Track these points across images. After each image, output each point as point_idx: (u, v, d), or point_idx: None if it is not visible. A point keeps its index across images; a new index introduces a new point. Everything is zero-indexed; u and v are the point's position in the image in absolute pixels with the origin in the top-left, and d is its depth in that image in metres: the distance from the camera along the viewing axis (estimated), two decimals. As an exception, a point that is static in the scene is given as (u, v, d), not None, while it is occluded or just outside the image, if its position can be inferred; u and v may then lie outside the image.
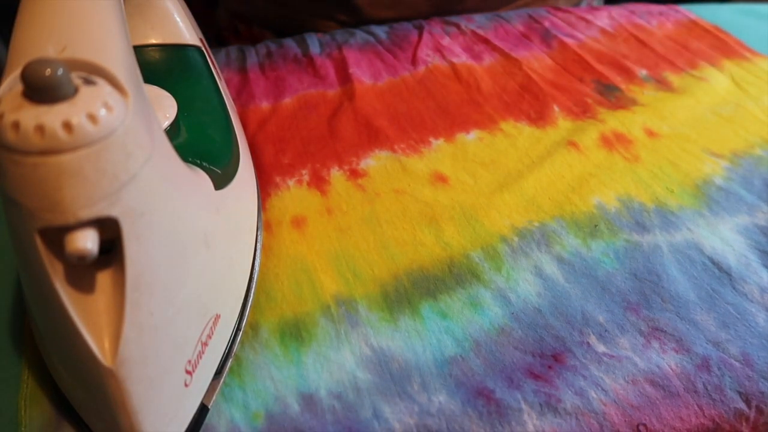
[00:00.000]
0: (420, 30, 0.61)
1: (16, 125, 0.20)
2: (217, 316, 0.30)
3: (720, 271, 0.38)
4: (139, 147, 0.23)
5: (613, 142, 0.47)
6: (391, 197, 0.43)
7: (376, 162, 0.46)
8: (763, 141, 0.48)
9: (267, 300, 0.36)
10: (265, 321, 0.35)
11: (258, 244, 0.37)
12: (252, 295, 0.35)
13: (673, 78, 0.55)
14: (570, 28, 0.63)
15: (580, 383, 0.32)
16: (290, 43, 0.60)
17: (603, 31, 0.62)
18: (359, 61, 0.57)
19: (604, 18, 0.64)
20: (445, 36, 0.61)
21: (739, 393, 0.32)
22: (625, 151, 0.47)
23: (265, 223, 0.40)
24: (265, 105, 0.52)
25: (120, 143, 0.22)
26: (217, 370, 0.30)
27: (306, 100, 0.52)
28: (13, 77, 0.23)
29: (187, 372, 0.28)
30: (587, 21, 0.64)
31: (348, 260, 0.38)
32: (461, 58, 0.58)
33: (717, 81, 0.55)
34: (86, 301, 0.24)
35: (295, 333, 0.34)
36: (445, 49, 0.59)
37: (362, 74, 0.55)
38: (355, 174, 0.45)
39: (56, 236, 0.22)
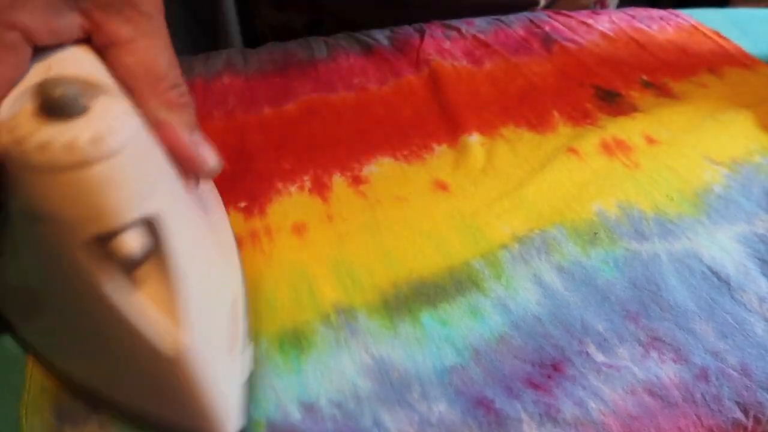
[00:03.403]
0: (421, 34, 0.61)
1: (42, 146, 0.21)
2: (235, 298, 0.33)
3: (719, 280, 0.38)
4: (156, 149, 0.25)
5: (614, 148, 0.47)
6: (392, 204, 0.43)
7: (378, 168, 0.46)
8: (763, 148, 0.48)
9: (267, 308, 0.36)
10: (264, 329, 0.35)
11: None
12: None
13: (672, 84, 0.55)
14: (570, 32, 0.63)
15: (580, 393, 0.32)
16: (295, 48, 0.60)
17: (603, 35, 0.62)
18: (364, 65, 0.57)
19: (604, 22, 0.64)
20: (446, 40, 0.61)
21: (737, 403, 0.32)
22: (625, 157, 0.47)
23: (265, 229, 0.41)
24: (267, 110, 0.52)
25: (143, 147, 0.24)
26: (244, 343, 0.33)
27: (309, 106, 0.52)
28: (12, 99, 0.23)
29: (231, 347, 0.31)
30: (588, 25, 0.64)
31: (348, 267, 0.38)
32: (462, 63, 0.58)
33: (716, 87, 0.55)
34: (138, 301, 0.25)
35: (294, 341, 0.34)
36: (446, 53, 0.59)
37: (366, 79, 0.55)
38: (356, 180, 0.45)
39: (98, 246, 0.23)
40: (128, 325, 0.25)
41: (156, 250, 0.25)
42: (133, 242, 0.23)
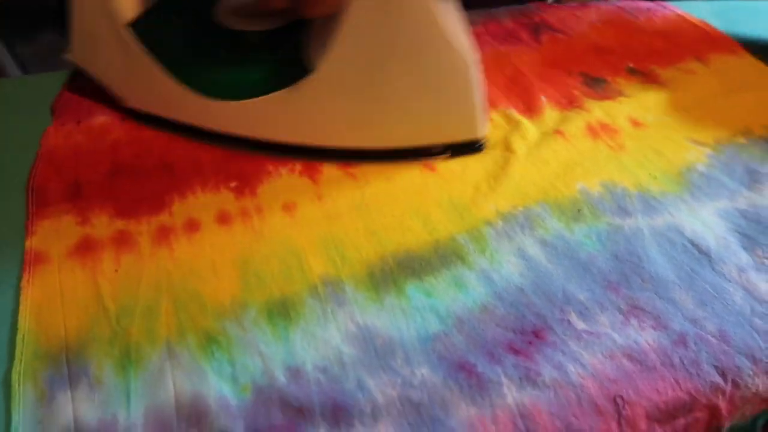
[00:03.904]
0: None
1: None
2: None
3: (699, 252, 0.39)
4: None
5: (599, 131, 0.48)
6: (381, 185, 0.44)
7: (367, 152, 0.47)
8: (747, 130, 0.49)
9: (256, 280, 0.37)
10: (253, 300, 0.36)
11: None
12: None
13: (659, 71, 0.56)
14: (559, 23, 0.64)
15: (560, 358, 0.33)
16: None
17: (592, 26, 0.63)
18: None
19: (592, 14, 0.65)
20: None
21: (716, 367, 0.33)
22: (610, 139, 0.48)
23: (255, 208, 0.42)
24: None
25: None
26: None
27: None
28: None
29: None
30: (576, 17, 0.65)
31: (336, 244, 0.39)
32: None
33: (702, 73, 0.56)
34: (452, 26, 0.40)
35: (283, 312, 0.35)
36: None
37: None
38: (346, 163, 0.46)
39: None
40: (447, 41, 0.40)
41: None
42: None
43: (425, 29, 0.39)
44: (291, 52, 0.43)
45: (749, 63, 0.57)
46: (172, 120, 0.47)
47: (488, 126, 0.46)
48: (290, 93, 0.42)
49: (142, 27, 0.45)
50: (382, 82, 0.42)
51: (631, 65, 0.57)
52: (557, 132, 0.48)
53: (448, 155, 0.46)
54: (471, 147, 0.46)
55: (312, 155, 0.45)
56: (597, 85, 0.54)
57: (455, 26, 0.41)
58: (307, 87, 0.42)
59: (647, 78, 0.55)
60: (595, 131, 0.48)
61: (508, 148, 0.47)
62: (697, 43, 0.60)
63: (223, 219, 0.41)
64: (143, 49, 0.45)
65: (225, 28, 0.46)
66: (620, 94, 0.53)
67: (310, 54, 0.42)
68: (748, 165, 0.45)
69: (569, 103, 0.52)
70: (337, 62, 0.41)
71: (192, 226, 0.40)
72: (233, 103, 0.44)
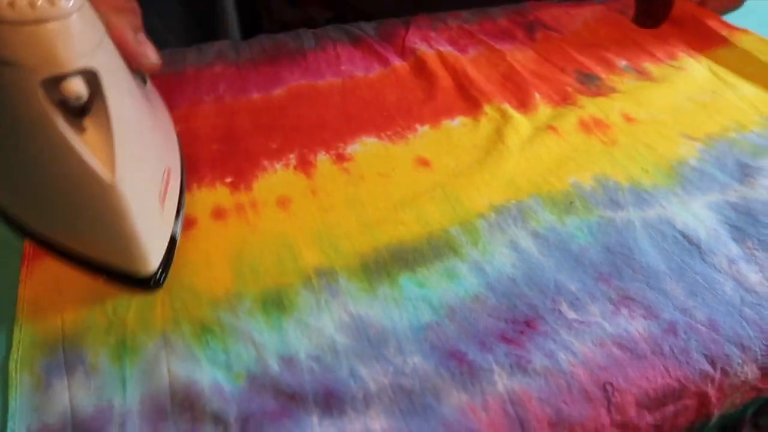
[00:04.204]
0: (407, 26, 0.63)
1: (11, 3, 0.28)
2: (169, 168, 0.39)
3: (690, 243, 0.39)
4: (99, 22, 0.32)
5: (592, 126, 0.49)
6: (375, 180, 0.44)
7: (362, 147, 0.47)
8: (738, 125, 0.49)
9: (251, 272, 0.37)
10: (248, 291, 0.36)
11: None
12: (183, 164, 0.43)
13: (652, 68, 0.57)
14: (554, 21, 0.64)
15: (550, 346, 0.33)
16: (285, 39, 0.61)
17: (586, 24, 0.64)
18: (351, 54, 0.59)
19: (586, 12, 0.66)
20: (432, 31, 0.62)
21: (705, 355, 0.33)
22: (602, 134, 0.48)
23: (250, 203, 0.42)
24: (256, 96, 0.53)
25: (90, 14, 0.31)
26: (176, 211, 0.39)
27: (298, 92, 0.54)
28: None
29: (161, 200, 0.37)
30: (570, 15, 0.65)
31: (330, 237, 0.40)
32: (447, 48, 0.59)
33: (695, 70, 0.56)
34: (83, 139, 0.31)
35: (277, 302, 0.35)
36: (432, 41, 0.60)
37: (354, 67, 0.57)
38: (341, 158, 0.46)
39: (51, 89, 0.30)
40: (73, 154, 0.31)
41: (96, 102, 0.32)
42: (80, 84, 0.30)
43: (39, 133, 0.31)
44: None
45: (741, 57, 0.58)
46: None
47: (158, 261, 0.36)
48: None
49: None
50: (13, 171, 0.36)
51: (624, 62, 0.58)
52: (550, 128, 0.48)
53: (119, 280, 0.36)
54: (138, 281, 0.36)
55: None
56: (590, 82, 0.55)
57: (95, 137, 0.32)
58: None
59: (640, 75, 0.56)
60: (588, 126, 0.49)
61: (501, 142, 0.47)
62: (689, 38, 0.61)
63: (219, 214, 0.41)
64: None
65: None
66: (613, 90, 0.53)
67: None
68: (740, 159, 0.46)
69: (562, 99, 0.52)
70: None
71: (188, 222, 0.41)
72: None
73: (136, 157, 0.34)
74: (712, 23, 0.61)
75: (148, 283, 0.35)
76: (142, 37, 0.38)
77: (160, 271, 0.36)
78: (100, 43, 0.32)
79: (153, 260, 0.35)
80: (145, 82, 0.43)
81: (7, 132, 0.33)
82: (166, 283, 0.36)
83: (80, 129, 0.32)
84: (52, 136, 0.31)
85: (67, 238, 0.37)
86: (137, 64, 0.37)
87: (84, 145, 0.31)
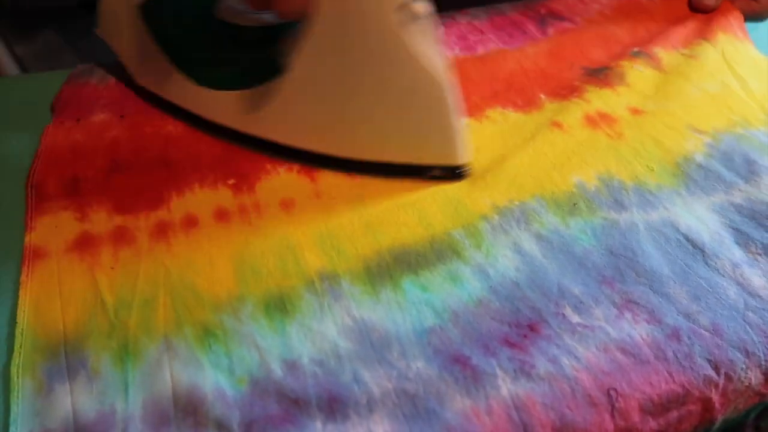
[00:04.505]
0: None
1: None
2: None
3: (694, 247, 0.39)
4: None
5: (597, 120, 0.49)
6: (378, 182, 0.44)
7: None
8: (745, 121, 0.49)
9: (253, 275, 0.37)
10: (250, 294, 0.36)
11: None
12: None
13: (663, 54, 0.56)
14: (567, 11, 0.63)
15: (554, 351, 0.33)
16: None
17: (600, 12, 0.63)
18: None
19: None
20: (440, 27, 0.62)
21: (709, 361, 0.33)
22: (608, 128, 0.48)
23: (253, 204, 0.42)
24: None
25: None
26: None
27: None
28: None
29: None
30: (584, 3, 0.65)
31: (333, 239, 0.39)
32: (454, 50, 0.59)
33: (707, 56, 0.55)
34: (423, 46, 0.39)
35: (279, 306, 0.35)
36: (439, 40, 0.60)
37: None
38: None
39: (401, 11, 0.38)
40: (416, 62, 0.39)
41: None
42: (421, 7, 0.39)
43: (390, 47, 0.39)
44: (271, 52, 0.44)
45: (752, 56, 0.57)
46: (170, 102, 0.49)
47: (469, 152, 0.44)
48: (264, 90, 0.44)
49: (149, 9, 0.48)
50: (349, 94, 0.42)
51: (636, 49, 0.57)
52: (555, 123, 0.48)
53: (427, 177, 0.44)
54: (451, 173, 0.44)
55: (284, 154, 0.46)
56: (599, 73, 0.54)
57: (428, 47, 0.40)
58: (277, 87, 0.43)
59: (650, 60, 0.55)
60: (593, 121, 0.49)
61: (504, 140, 0.47)
62: (706, 22, 0.60)
63: (221, 215, 0.41)
64: (147, 31, 0.47)
65: (224, 21, 0.47)
66: (622, 79, 0.53)
67: (286, 55, 0.42)
68: (747, 155, 0.46)
69: (569, 92, 0.52)
70: (303, 68, 0.41)
71: (190, 222, 0.41)
72: (218, 93, 0.46)
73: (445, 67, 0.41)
74: (735, 20, 0.61)
75: (459, 173, 0.44)
76: None
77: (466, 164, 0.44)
78: None
79: (465, 152, 0.43)
80: None
81: (359, 61, 0.40)
82: (170, 283, 0.36)
83: (420, 40, 0.39)
84: (400, 48, 0.39)
85: (385, 151, 0.44)
86: None
87: (423, 52, 0.39)
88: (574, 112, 0.49)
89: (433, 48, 0.40)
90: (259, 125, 0.46)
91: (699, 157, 0.45)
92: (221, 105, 0.46)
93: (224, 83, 0.46)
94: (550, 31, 0.61)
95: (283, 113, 0.44)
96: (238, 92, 0.45)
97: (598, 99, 0.51)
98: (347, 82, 0.41)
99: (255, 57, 0.46)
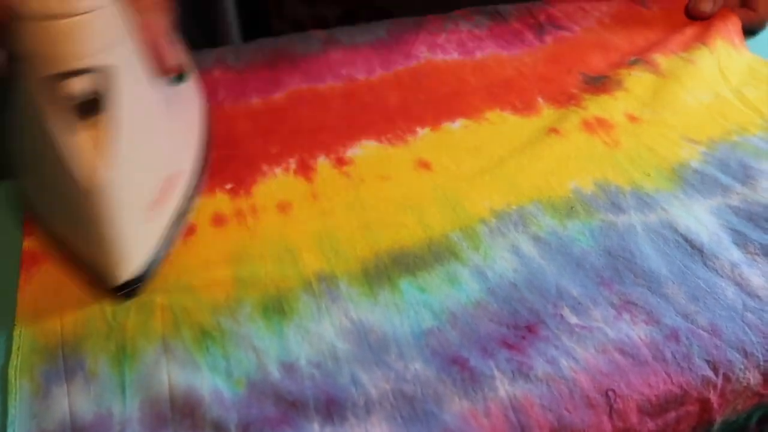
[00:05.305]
0: (418, 27, 0.63)
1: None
2: (174, 174, 0.39)
3: (692, 248, 0.39)
4: (123, 22, 0.33)
5: (595, 126, 0.49)
6: (376, 183, 0.44)
7: (362, 151, 0.47)
8: (741, 128, 0.49)
9: (251, 277, 0.37)
10: (248, 296, 0.36)
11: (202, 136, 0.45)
12: (202, 164, 0.43)
13: (661, 60, 0.56)
14: (566, 19, 0.64)
15: (552, 352, 0.33)
16: (285, 42, 0.61)
17: (599, 21, 0.63)
18: (353, 57, 0.58)
19: (602, 6, 0.65)
20: (442, 33, 0.62)
21: (707, 361, 0.33)
22: (605, 135, 0.48)
23: (250, 208, 0.42)
24: (255, 100, 0.53)
25: (112, 13, 0.32)
26: (177, 218, 0.38)
27: (298, 96, 0.54)
28: None
29: (151, 207, 0.36)
30: (585, 11, 0.65)
31: (331, 241, 0.39)
32: (453, 55, 0.59)
33: (704, 63, 0.55)
34: (73, 139, 0.31)
35: (277, 307, 0.35)
36: (440, 47, 0.60)
37: (355, 71, 0.57)
38: (341, 162, 0.46)
39: (56, 85, 0.30)
40: (60, 155, 0.31)
41: (104, 102, 0.32)
42: (78, 85, 0.31)
43: (43, 137, 0.32)
44: None
45: (748, 61, 0.57)
46: None
47: (134, 268, 0.35)
48: None
49: None
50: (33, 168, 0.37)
51: (634, 57, 0.57)
52: (552, 130, 0.48)
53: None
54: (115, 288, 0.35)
55: None
56: (596, 82, 0.54)
57: (86, 135, 0.32)
58: None
59: (648, 66, 0.55)
60: (591, 127, 0.49)
61: (502, 144, 0.47)
62: (705, 29, 0.60)
63: (218, 221, 0.41)
64: None
65: None
66: (619, 86, 0.53)
67: None
68: (743, 160, 0.46)
69: (567, 100, 0.52)
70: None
71: (188, 230, 0.40)
72: None
73: (128, 160, 0.33)
74: (733, 27, 0.61)
75: (117, 292, 0.35)
76: (172, 37, 0.39)
77: (134, 280, 0.35)
78: (118, 42, 0.33)
79: (128, 266, 0.34)
80: (182, 80, 0.43)
81: (21, 121, 0.35)
82: (166, 286, 0.36)
83: (75, 127, 0.31)
84: (45, 132, 0.32)
85: (60, 231, 0.37)
86: (159, 61, 0.37)
87: (70, 146, 0.31)
88: (571, 118, 0.49)
89: (99, 141, 0.32)
90: None
91: (695, 164, 0.45)
92: None
93: None
94: (548, 39, 0.61)
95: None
96: None
97: (596, 106, 0.51)
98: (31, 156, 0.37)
99: None
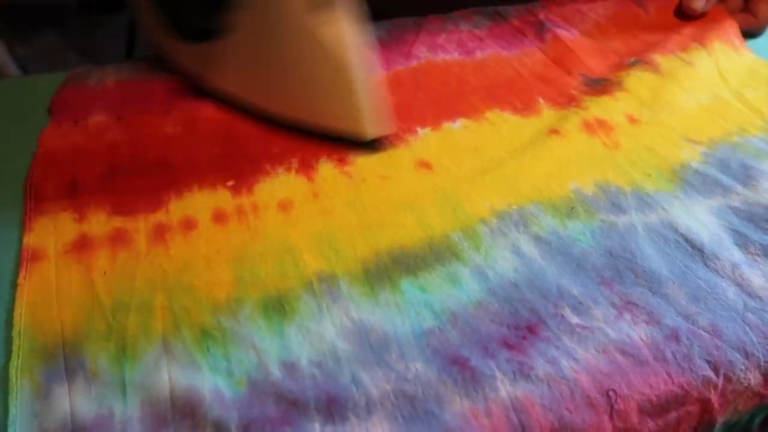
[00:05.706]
0: (418, 27, 0.62)
1: None
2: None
3: (693, 248, 0.39)
4: None
5: (595, 127, 0.49)
6: (376, 183, 0.44)
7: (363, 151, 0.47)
8: (741, 129, 0.49)
9: (251, 276, 0.37)
10: (248, 296, 0.36)
11: None
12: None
13: (660, 60, 0.56)
14: (565, 21, 0.64)
15: (553, 353, 0.33)
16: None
17: (597, 23, 0.63)
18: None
19: (599, 8, 0.65)
20: (442, 33, 0.62)
21: (708, 362, 0.33)
22: (606, 137, 0.48)
23: (251, 206, 0.42)
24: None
25: None
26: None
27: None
28: None
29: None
30: (582, 13, 0.65)
31: (331, 240, 0.39)
32: (454, 55, 0.59)
33: (702, 65, 0.55)
34: (330, 31, 0.43)
35: (278, 307, 0.35)
36: (440, 47, 0.60)
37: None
38: (342, 162, 0.46)
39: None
40: (322, 45, 0.42)
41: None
42: None
43: (295, 28, 0.44)
44: (213, 16, 0.48)
45: (747, 62, 0.57)
46: (171, 60, 0.55)
47: (382, 128, 0.47)
48: (211, 47, 0.50)
49: None
50: (270, 63, 0.47)
51: (633, 59, 0.57)
52: (553, 131, 0.48)
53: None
54: (365, 142, 0.47)
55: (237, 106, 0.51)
56: (596, 84, 0.54)
57: (336, 29, 0.43)
58: (219, 46, 0.49)
59: (647, 66, 0.55)
60: (591, 128, 0.49)
61: (503, 145, 0.47)
62: (702, 30, 0.60)
63: (220, 217, 0.41)
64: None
65: None
66: (619, 87, 0.53)
67: (222, 21, 0.48)
68: (743, 161, 0.46)
69: (567, 101, 0.52)
70: (236, 35, 0.47)
71: (188, 224, 0.40)
72: (191, 46, 0.52)
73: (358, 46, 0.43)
74: (730, 27, 0.61)
75: (372, 144, 0.47)
76: None
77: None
78: None
79: (376, 127, 0.46)
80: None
81: (271, 33, 0.45)
82: (167, 286, 0.36)
83: (327, 26, 0.42)
84: (306, 32, 0.43)
85: (299, 113, 0.48)
86: None
87: (330, 37, 0.43)
88: (572, 119, 0.49)
89: (342, 30, 0.43)
90: (209, 73, 0.52)
91: (696, 165, 0.45)
92: (192, 56, 0.53)
93: (190, 37, 0.52)
94: (548, 38, 0.61)
95: (223, 66, 0.50)
96: (201, 45, 0.51)
97: (596, 106, 0.51)
98: (269, 53, 0.46)
99: (205, 17, 0.50)
